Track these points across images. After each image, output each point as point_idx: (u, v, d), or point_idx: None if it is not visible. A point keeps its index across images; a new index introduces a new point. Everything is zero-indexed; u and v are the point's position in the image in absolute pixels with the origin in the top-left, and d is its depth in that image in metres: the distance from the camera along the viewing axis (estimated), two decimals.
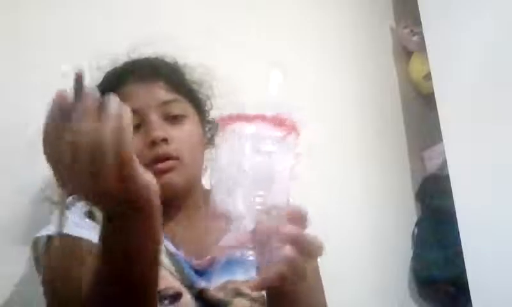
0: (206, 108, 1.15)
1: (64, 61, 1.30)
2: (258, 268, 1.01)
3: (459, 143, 1.63)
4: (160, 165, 0.98)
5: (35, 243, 1.01)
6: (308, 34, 1.78)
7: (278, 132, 0.65)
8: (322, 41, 1.82)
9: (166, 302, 0.91)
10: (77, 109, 0.59)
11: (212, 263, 1.00)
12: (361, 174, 1.80)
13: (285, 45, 1.69)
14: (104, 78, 1.11)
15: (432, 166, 1.87)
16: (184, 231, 1.02)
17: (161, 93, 1.05)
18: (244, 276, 1.00)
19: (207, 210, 1.06)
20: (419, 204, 1.88)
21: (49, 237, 0.96)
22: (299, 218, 0.67)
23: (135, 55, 1.13)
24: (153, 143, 0.99)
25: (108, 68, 1.12)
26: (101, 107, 0.59)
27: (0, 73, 1.26)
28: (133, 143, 0.96)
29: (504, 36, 1.55)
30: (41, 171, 1.22)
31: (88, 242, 0.89)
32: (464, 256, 1.56)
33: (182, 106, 1.06)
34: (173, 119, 1.04)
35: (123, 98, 1.02)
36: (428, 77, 1.80)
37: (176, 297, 0.92)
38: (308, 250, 0.65)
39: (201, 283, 0.96)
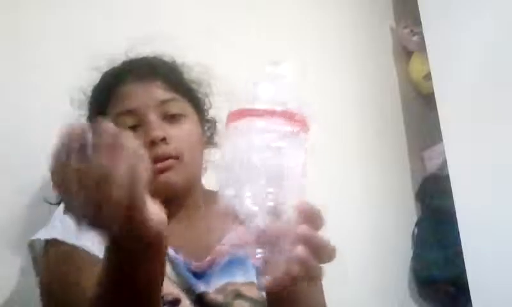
0: (205, 107, 1.14)
1: (64, 61, 1.31)
2: (258, 270, 1.01)
3: (459, 143, 1.63)
4: (160, 165, 0.98)
5: (31, 244, 1.01)
6: (308, 34, 1.77)
7: (289, 127, 0.63)
8: (322, 41, 1.81)
9: None
10: (92, 143, 0.57)
11: (211, 264, 1.00)
12: (361, 174, 1.79)
13: (285, 45, 1.69)
14: (101, 78, 1.11)
15: (432, 166, 1.87)
16: (184, 231, 1.02)
17: (159, 92, 1.04)
18: (244, 278, 1.00)
19: (207, 209, 1.06)
20: (419, 204, 1.88)
21: (47, 241, 0.96)
22: (313, 218, 0.63)
23: (133, 55, 1.12)
24: (153, 143, 0.98)
25: (106, 68, 1.12)
26: (115, 142, 0.57)
27: (0, 73, 1.26)
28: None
29: (504, 36, 1.55)
30: (41, 171, 1.23)
31: (85, 251, 0.90)
32: (464, 256, 1.55)
33: (180, 105, 1.06)
34: (172, 118, 1.03)
35: (121, 98, 1.04)
36: (428, 77, 1.79)
37: (175, 303, 0.92)
38: (320, 252, 0.62)
39: (200, 286, 0.96)
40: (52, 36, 1.33)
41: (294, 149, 0.63)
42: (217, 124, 1.18)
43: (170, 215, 1.01)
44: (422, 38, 1.78)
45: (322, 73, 1.76)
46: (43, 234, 0.97)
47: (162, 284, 0.69)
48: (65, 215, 0.96)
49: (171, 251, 0.96)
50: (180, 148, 1.01)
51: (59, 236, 0.94)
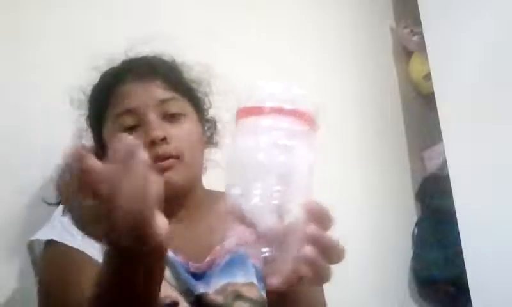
0: (205, 107, 1.14)
1: (64, 61, 1.31)
2: (260, 270, 1.01)
3: (459, 143, 1.63)
4: (160, 164, 0.97)
5: (30, 245, 1.01)
6: (308, 34, 1.77)
7: (297, 126, 0.62)
8: (322, 41, 1.81)
9: None
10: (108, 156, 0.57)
11: (211, 265, 1.00)
12: (361, 174, 1.79)
13: (285, 45, 1.69)
14: (101, 78, 1.11)
15: (432, 166, 1.87)
16: (184, 231, 1.01)
17: (159, 91, 1.04)
18: (244, 279, 1.00)
19: (207, 209, 1.06)
20: (419, 204, 1.88)
21: (46, 242, 0.96)
22: (322, 217, 0.61)
23: (132, 54, 1.12)
24: (153, 143, 0.98)
25: (105, 67, 1.11)
26: (127, 157, 0.57)
27: (0, 73, 1.26)
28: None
29: (504, 36, 1.55)
30: (41, 171, 1.23)
31: (82, 252, 0.90)
32: (464, 256, 1.55)
33: (180, 104, 1.05)
34: (172, 117, 1.03)
35: (121, 97, 1.04)
36: (428, 77, 1.79)
37: (174, 305, 0.91)
38: (329, 253, 0.61)
39: (200, 287, 0.96)
40: (52, 36, 1.33)
41: (303, 148, 0.62)
42: (217, 124, 1.18)
43: (170, 215, 1.01)
44: (422, 38, 1.78)
45: (322, 73, 1.76)
46: (42, 234, 0.97)
47: (160, 289, 0.69)
48: (65, 215, 0.97)
49: (169, 253, 0.96)
50: (181, 147, 1.00)
51: (57, 237, 0.94)
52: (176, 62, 1.13)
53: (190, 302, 0.94)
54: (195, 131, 1.06)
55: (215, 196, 1.09)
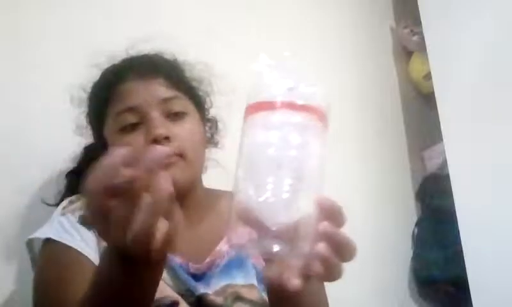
0: (206, 106, 1.14)
1: (64, 60, 1.31)
2: (259, 272, 1.00)
3: (459, 143, 1.63)
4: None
5: (29, 243, 1.01)
6: (308, 34, 1.77)
7: (309, 121, 0.61)
8: (322, 41, 1.81)
9: None
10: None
11: (211, 266, 1.00)
12: (361, 174, 1.80)
13: (285, 45, 1.68)
14: (101, 75, 1.10)
15: (432, 166, 1.87)
16: (184, 231, 1.01)
17: (161, 89, 1.03)
18: (244, 280, 1.00)
19: (207, 209, 1.06)
20: (419, 204, 1.88)
21: (45, 240, 0.96)
22: (335, 214, 0.60)
23: (133, 52, 1.11)
24: (156, 141, 0.97)
25: (106, 65, 1.10)
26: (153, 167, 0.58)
27: (0, 73, 1.26)
28: (134, 141, 0.97)
29: (504, 36, 1.54)
30: (41, 171, 1.23)
31: (78, 251, 0.91)
32: (464, 256, 1.55)
33: (182, 103, 1.04)
34: (174, 116, 1.02)
35: (122, 95, 1.03)
36: (428, 76, 1.79)
37: (173, 305, 0.91)
38: (342, 250, 0.59)
39: (200, 288, 0.95)
40: (52, 36, 1.33)
41: (315, 144, 0.61)
42: (218, 123, 1.18)
43: None
44: (422, 38, 1.78)
45: (322, 73, 1.76)
46: (41, 233, 0.97)
47: (156, 291, 0.69)
48: (64, 216, 0.97)
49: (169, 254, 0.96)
50: (183, 146, 0.99)
51: (55, 235, 0.94)
52: (177, 60, 1.12)
53: (190, 303, 0.93)
54: (197, 130, 1.05)
55: (215, 195, 1.09)
